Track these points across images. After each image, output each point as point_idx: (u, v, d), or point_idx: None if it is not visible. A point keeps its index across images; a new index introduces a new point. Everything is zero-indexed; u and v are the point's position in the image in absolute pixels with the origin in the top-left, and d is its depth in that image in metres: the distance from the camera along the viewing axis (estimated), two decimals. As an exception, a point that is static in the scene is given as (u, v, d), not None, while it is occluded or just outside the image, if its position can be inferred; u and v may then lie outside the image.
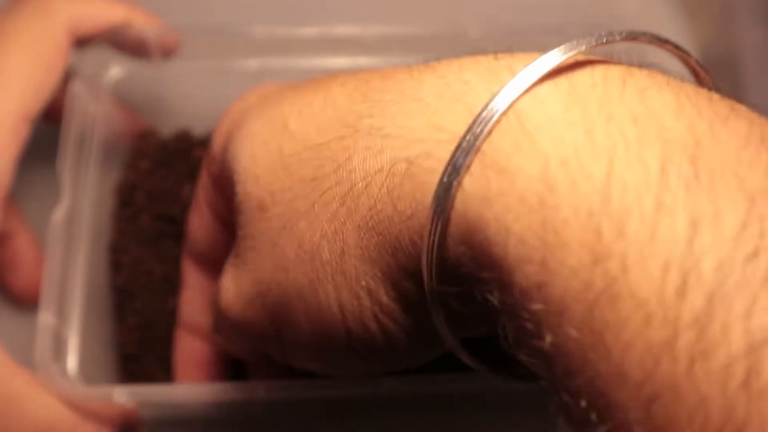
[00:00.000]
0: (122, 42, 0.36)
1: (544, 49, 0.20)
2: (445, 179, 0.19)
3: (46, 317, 0.29)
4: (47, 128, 0.40)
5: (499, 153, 0.18)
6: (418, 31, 0.37)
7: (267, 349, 0.26)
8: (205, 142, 0.40)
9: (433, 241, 0.19)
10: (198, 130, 0.41)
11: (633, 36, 0.20)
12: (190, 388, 0.29)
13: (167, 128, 0.41)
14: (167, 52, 0.37)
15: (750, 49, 0.40)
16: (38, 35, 0.32)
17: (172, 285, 0.36)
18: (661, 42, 0.21)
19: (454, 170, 0.19)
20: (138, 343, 0.35)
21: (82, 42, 0.35)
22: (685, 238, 0.16)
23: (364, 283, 0.22)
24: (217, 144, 0.28)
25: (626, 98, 0.18)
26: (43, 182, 0.39)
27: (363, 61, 0.38)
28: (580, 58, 0.20)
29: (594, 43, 0.20)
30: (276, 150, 0.24)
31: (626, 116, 0.18)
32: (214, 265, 0.31)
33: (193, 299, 0.32)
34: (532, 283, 0.17)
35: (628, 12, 0.47)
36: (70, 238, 0.32)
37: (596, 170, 0.17)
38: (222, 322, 0.27)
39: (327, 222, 0.22)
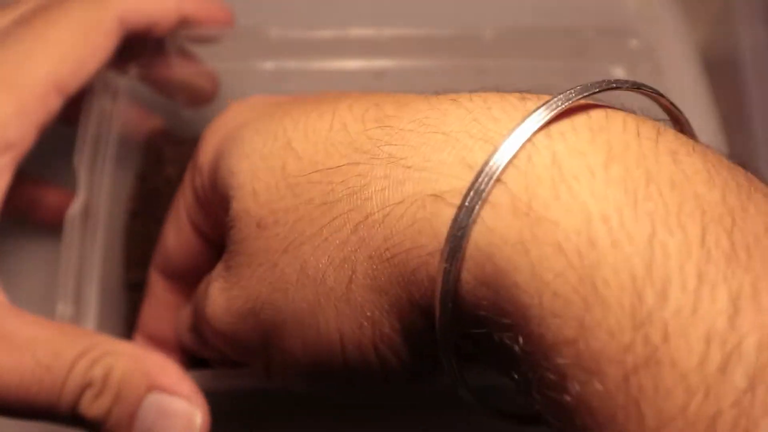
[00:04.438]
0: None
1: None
2: (466, 215, 0.19)
3: (64, 308, 0.29)
4: (65, 126, 0.41)
5: (537, 199, 0.18)
6: (432, 34, 0.37)
7: (251, 361, 0.26)
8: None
9: (450, 278, 0.19)
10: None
11: (622, 85, 0.20)
12: (202, 375, 0.29)
13: (182, 128, 0.41)
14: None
15: (749, 49, 0.40)
16: (87, 14, 0.32)
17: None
18: (639, 88, 0.21)
19: (476, 197, 0.18)
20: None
21: (133, 33, 0.34)
22: (727, 314, 0.16)
23: (369, 313, 0.21)
24: (205, 156, 0.27)
25: (661, 160, 0.18)
26: (61, 178, 0.40)
27: (377, 63, 0.39)
28: (598, 102, 0.20)
29: (604, 87, 0.20)
30: (279, 168, 0.23)
31: (664, 180, 0.18)
32: (184, 278, 0.30)
33: (156, 311, 0.31)
34: (563, 337, 0.17)
35: (629, 13, 0.47)
36: (86, 232, 0.32)
37: (638, 232, 0.17)
38: (204, 331, 0.26)
39: (335, 248, 0.21)
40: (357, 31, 0.38)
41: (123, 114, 0.36)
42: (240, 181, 0.23)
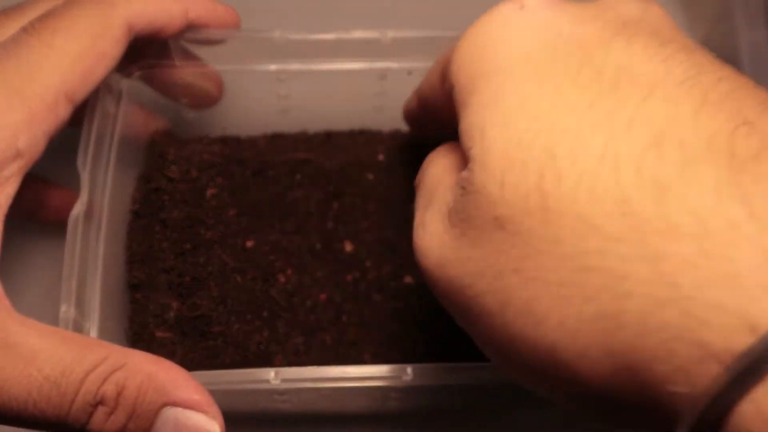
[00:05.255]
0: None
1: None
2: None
3: (66, 309, 0.30)
4: (68, 127, 0.41)
5: None
6: (435, 35, 0.38)
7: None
8: (227, 143, 0.41)
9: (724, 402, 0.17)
10: (215, 131, 0.42)
11: None
12: (205, 377, 0.29)
13: (186, 130, 0.42)
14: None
15: (749, 49, 0.40)
16: (95, 22, 0.32)
17: (186, 286, 0.36)
18: None
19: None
20: (150, 340, 0.35)
21: (140, 38, 0.35)
22: None
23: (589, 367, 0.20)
24: (458, 67, 0.26)
25: None
26: (64, 179, 0.40)
27: (380, 64, 0.39)
28: None
29: None
30: (534, 176, 0.21)
31: None
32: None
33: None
34: None
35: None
36: (89, 233, 0.33)
37: None
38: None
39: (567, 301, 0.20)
40: (359, 33, 0.38)
41: (126, 115, 0.37)
42: (485, 162, 0.22)
